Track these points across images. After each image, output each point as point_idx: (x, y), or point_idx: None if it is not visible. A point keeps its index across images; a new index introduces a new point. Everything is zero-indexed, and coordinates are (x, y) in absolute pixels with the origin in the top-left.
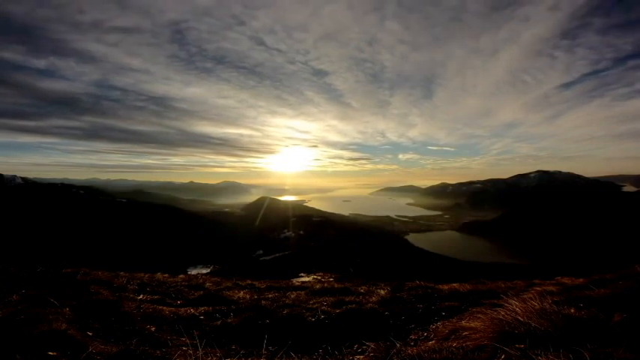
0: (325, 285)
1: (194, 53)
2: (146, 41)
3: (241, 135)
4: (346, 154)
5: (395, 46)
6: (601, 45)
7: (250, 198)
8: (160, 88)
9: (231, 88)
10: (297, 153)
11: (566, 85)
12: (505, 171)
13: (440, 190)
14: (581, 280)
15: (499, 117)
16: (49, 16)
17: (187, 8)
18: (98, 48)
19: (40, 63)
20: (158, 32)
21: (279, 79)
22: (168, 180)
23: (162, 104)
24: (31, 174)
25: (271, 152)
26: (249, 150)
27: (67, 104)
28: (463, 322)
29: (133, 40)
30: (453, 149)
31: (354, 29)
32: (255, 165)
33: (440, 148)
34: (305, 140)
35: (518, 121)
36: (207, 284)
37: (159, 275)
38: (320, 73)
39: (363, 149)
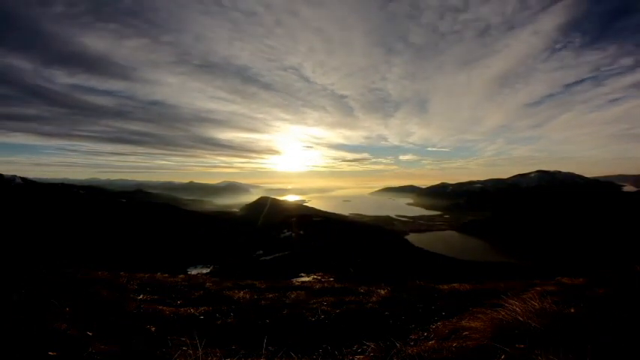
0: (325, 285)
1: (247, 81)
2: (212, 73)
3: (258, 139)
4: (349, 155)
5: (398, 81)
6: (549, 79)
7: (250, 198)
8: (208, 105)
9: (266, 106)
10: (303, 154)
11: (534, 104)
12: (503, 171)
13: (440, 190)
14: (581, 280)
15: (487, 124)
16: (144, 59)
17: (258, 59)
18: (168, 77)
19: (113, 86)
20: (226, 69)
21: (309, 99)
22: (169, 180)
23: (202, 117)
24: (32, 174)
25: (279, 154)
26: (260, 152)
27: (111, 114)
28: (463, 322)
29: (201, 72)
30: (451, 150)
31: (370, 70)
32: (261, 165)
33: (439, 149)
34: (315, 143)
35: (507, 127)
36: (208, 284)
37: (159, 275)
38: (341, 96)
39: (365, 150)
